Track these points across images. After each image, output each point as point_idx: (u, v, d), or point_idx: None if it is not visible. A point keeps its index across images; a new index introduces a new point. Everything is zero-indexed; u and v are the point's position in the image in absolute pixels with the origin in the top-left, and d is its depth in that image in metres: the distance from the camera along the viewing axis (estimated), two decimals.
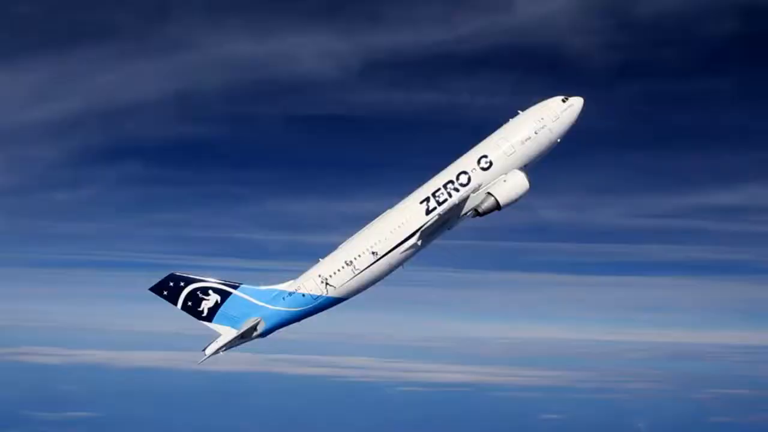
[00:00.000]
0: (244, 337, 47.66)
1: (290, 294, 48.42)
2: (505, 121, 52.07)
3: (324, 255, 50.37)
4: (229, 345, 47.81)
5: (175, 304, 47.18)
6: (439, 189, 49.05)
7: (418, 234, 48.41)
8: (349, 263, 48.52)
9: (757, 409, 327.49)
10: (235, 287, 48.01)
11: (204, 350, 47.93)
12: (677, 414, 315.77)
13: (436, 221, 47.79)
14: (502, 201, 48.41)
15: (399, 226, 48.78)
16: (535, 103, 52.81)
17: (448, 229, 49.45)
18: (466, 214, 48.86)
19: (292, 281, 49.25)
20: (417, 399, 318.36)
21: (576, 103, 51.84)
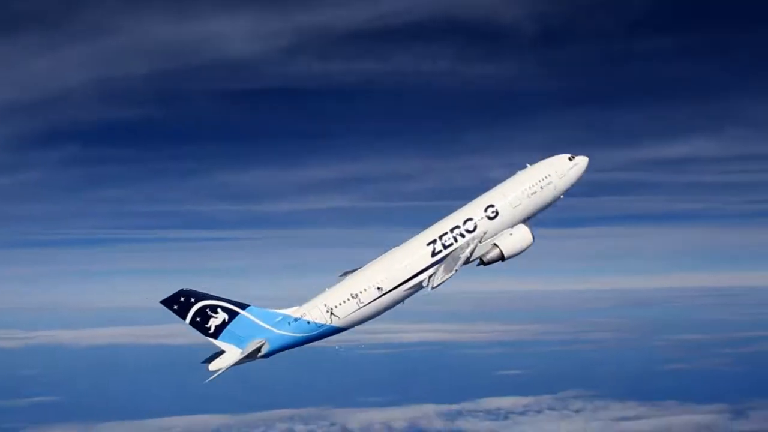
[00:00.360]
0: (248, 357, 49.44)
1: (296, 320, 50.24)
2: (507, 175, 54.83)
3: (330, 287, 52.37)
4: (234, 365, 49.76)
5: (184, 319, 49.04)
6: (446, 233, 51.55)
7: (428, 281, 50.98)
8: (354, 296, 50.47)
9: (712, 354, 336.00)
10: (243, 308, 50.00)
11: (206, 362, 49.88)
12: (637, 362, 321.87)
13: (450, 276, 50.01)
14: (506, 253, 50.90)
15: (405, 266, 51.25)
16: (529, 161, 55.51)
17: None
18: (471, 261, 51.57)
19: (297, 307, 51.13)
20: (381, 360, 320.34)
21: (581, 162, 54.57)
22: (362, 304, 50.42)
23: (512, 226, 52.11)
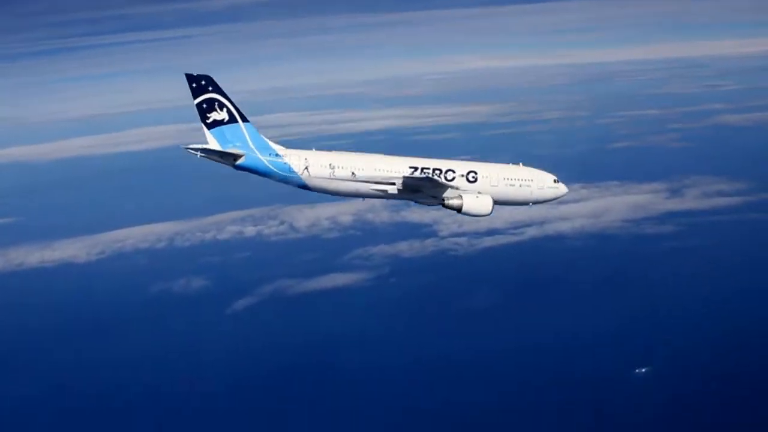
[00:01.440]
0: (223, 156, 55.01)
1: (277, 155, 55.97)
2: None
3: (318, 150, 57.60)
4: (208, 154, 54.90)
5: (194, 98, 54.67)
6: (428, 168, 56.92)
7: (400, 180, 56.02)
8: (332, 167, 56.05)
9: (661, 130, 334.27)
10: (244, 120, 55.88)
11: (185, 148, 54.67)
12: (585, 142, 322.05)
13: (418, 179, 55.77)
14: (465, 209, 56.84)
15: (383, 170, 56.73)
16: None
17: (414, 202, 57.94)
18: (435, 197, 57.06)
19: (285, 148, 56.62)
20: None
21: (561, 189, 59.88)
22: (333, 177, 56.06)
23: None
